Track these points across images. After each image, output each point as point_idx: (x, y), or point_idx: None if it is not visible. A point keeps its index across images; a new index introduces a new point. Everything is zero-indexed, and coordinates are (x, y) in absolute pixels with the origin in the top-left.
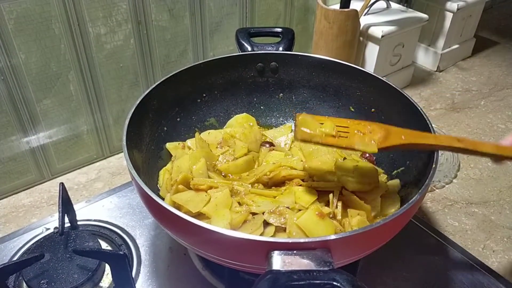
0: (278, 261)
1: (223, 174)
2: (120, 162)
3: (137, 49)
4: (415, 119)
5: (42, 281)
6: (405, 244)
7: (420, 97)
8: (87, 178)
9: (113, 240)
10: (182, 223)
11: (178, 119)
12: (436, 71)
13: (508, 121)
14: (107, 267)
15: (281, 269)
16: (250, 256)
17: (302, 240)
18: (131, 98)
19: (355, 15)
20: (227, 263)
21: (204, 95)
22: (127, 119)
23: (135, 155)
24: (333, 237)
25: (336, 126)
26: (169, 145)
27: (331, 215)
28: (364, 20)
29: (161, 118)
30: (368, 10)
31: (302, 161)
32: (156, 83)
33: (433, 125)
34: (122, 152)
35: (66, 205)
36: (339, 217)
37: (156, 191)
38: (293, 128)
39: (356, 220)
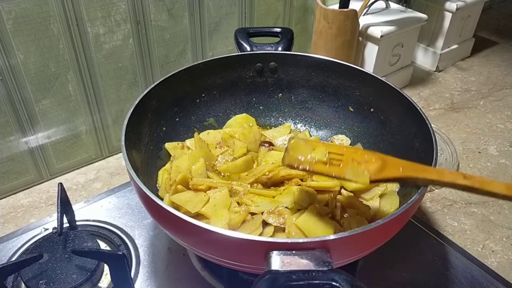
0: (277, 261)
1: (222, 174)
2: (119, 162)
3: (136, 49)
4: (414, 119)
5: (41, 282)
6: (404, 244)
7: (419, 97)
8: (86, 178)
9: (112, 240)
10: (180, 223)
11: (177, 119)
12: (435, 71)
13: (507, 121)
14: (106, 268)
15: (280, 269)
16: (249, 256)
17: (301, 240)
18: (130, 98)
19: (354, 15)
20: (226, 263)
21: (203, 95)
22: (126, 119)
23: (134, 155)
24: (332, 237)
25: (330, 152)
26: (168, 145)
27: (330, 215)
28: (363, 20)
29: (160, 118)
30: (367, 10)
31: None
32: (155, 83)
33: (432, 125)
34: (121, 152)
35: (64, 205)
36: (338, 217)
37: (155, 191)
38: (292, 127)
39: (355, 220)
